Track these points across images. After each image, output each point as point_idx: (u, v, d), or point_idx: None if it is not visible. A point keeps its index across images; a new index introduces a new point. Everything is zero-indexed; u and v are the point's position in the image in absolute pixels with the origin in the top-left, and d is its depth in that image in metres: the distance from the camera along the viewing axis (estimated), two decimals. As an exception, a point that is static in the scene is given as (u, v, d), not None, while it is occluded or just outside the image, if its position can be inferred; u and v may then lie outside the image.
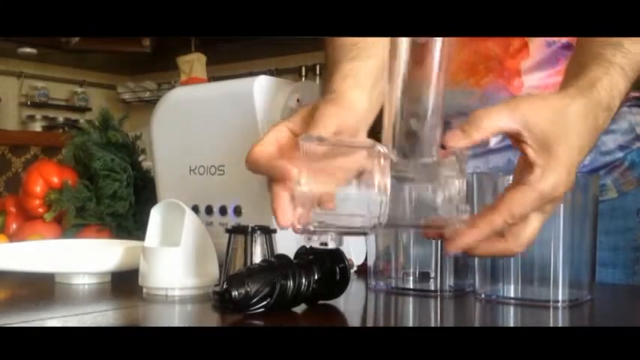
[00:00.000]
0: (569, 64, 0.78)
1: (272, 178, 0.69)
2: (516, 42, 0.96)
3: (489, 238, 0.67)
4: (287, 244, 0.91)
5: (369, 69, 0.82)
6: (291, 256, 0.75)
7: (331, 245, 0.66)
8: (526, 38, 0.95)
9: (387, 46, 0.66)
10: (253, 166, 0.71)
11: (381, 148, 0.65)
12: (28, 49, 4.74)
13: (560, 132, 0.66)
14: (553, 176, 0.66)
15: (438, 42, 0.65)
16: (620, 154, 0.98)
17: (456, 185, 0.66)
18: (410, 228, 0.68)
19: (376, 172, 0.63)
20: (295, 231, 0.65)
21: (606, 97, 0.71)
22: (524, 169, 0.68)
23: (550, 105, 0.68)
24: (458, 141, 0.65)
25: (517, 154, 0.70)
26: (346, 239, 1.01)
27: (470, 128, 0.66)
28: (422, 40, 0.65)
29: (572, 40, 0.90)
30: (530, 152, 0.66)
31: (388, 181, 0.63)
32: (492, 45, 0.96)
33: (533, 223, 0.68)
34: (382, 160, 0.63)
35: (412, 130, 0.66)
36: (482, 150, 0.96)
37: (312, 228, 0.65)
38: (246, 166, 0.72)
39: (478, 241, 0.67)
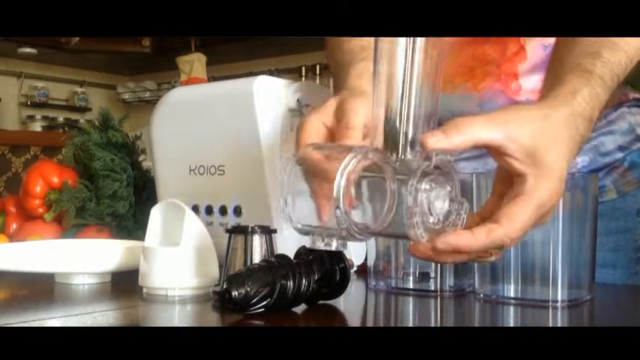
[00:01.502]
0: (546, 75, 0.78)
1: (319, 176, 0.68)
2: (513, 45, 0.95)
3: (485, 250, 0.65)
4: (287, 244, 0.91)
5: None
6: (291, 255, 0.75)
7: (334, 248, 0.67)
8: (522, 41, 0.95)
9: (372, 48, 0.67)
10: (306, 164, 0.70)
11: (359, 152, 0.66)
12: (28, 49, 4.74)
13: (546, 141, 0.66)
14: (547, 185, 0.65)
15: (421, 42, 0.66)
16: (619, 155, 0.98)
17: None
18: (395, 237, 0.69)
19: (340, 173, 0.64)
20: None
21: (587, 108, 0.70)
22: (506, 184, 0.67)
23: (532, 116, 0.67)
24: (437, 142, 0.63)
25: None
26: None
27: (450, 130, 0.64)
28: (407, 40, 0.66)
29: None
30: (516, 164, 0.65)
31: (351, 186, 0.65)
32: (489, 49, 0.96)
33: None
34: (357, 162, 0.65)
35: (398, 129, 0.66)
36: (480, 152, 0.96)
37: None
38: (297, 162, 0.71)
39: (472, 247, 0.64)
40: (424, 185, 0.63)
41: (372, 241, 0.88)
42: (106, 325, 0.70)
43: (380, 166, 0.66)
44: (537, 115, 0.67)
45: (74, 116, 5.18)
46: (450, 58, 0.98)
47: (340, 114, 0.74)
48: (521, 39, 0.95)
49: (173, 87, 3.47)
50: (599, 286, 0.82)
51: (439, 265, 0.83)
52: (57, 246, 1.01)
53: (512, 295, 0.77)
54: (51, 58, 4.92)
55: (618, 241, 0.98)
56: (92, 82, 5.43)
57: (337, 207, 0.65)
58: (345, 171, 0.65)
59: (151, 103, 4.93)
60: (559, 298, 0.75)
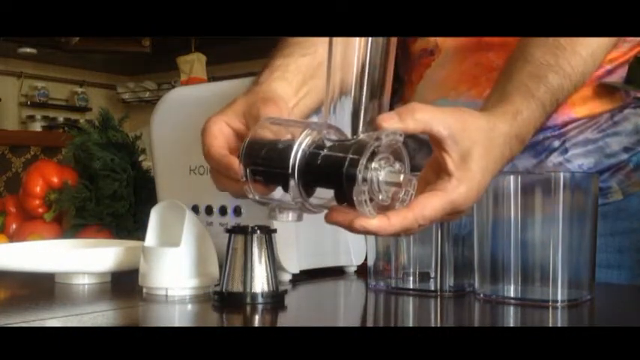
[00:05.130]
0: (494, 86, 0.80)
1: (221, 172, 0.75)
2: None
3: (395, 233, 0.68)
4: (287, 243, 0.91)
5: (299, 66, 0.89)
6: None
7: (290, 220, 0.70)
8: None
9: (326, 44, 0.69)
10: (210, 161, 0.77)
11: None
12: (28, 49, 4.75)
13: (481, 151, 0.69)
14: (466, 190, 0.69)
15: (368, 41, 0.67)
16: (625, 156, 0.97)
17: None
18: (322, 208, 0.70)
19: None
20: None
21: (523, 130, 0.74)
22: (435, 174, 0.70)
23: (479, 125, 0.70)
24: (391, 123, 0.66)
25: (521, 157, 0.69)
26: (348, 238, 1.01)
27: (406, 114, 0.67)
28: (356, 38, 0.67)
29: None
30: (449, 162, 0.69)
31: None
32: (493, 56, 0.96)
33: None
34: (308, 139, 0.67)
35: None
36: None
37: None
38: (206, 160, 0.77)
39: (387, 232, 0.67)
40: (374, 164, 0.65)
41: (371, 241, 0.88)
42: (106, 325, 0.70)
43: (333, 143, 0.67)
44: (484, 126, 0.71)
45: (74, 116, 5.19)
46: (454, 66, 0.99)
47: (250, 120, 0.77)
48: None
49: (173, 87, 3.47)
50: (600, 286, 0.82)
51: (439, 265, 0.83)
52: (57, 246, 1.01)
53: (512, 295, 0.77)
54: (51, 58, 4.93)
55: (623, 242, 0.98)
56: (92, 82, 5.44)
57: (292, 180, 0.66)
58: (300, 146, 0.66)
59: (151, 103, 4.94)
60: (559, 298, 0.75)
